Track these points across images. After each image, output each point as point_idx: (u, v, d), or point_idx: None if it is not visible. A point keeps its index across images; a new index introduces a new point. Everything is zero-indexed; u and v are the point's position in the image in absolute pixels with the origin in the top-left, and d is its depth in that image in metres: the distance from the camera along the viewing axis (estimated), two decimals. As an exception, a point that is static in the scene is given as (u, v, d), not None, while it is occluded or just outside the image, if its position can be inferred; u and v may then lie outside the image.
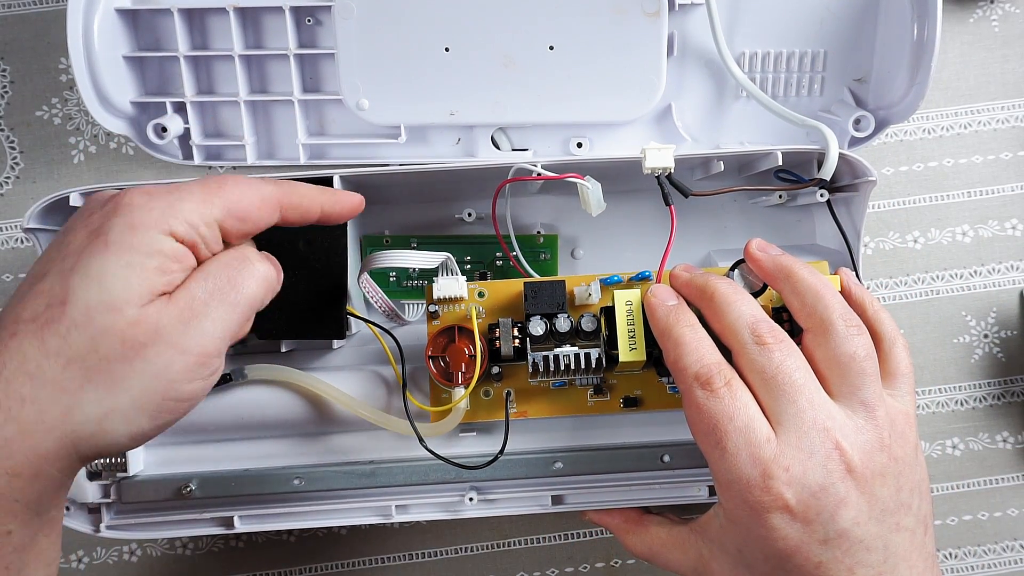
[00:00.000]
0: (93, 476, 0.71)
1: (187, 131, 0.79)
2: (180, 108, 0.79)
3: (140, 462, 0.73)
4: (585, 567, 0.84)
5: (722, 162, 0.69)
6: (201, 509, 0.72)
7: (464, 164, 0.68)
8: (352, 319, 0.70)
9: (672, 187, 0.64)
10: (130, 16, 0.77)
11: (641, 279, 0.66)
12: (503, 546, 0.85)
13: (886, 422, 0.55)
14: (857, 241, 0.71)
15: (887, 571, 0.54)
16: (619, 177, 0.71)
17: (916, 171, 0.83)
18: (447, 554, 0.84)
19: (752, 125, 0.80)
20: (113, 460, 0.70)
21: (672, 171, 0.64)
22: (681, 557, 0.62)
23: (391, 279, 0.75)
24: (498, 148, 0.79)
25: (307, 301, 0.68)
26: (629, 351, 0.62)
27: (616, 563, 0.84)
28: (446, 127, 0.79)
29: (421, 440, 0.66)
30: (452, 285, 0.66)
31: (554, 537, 0.84)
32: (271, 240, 0.62)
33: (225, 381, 0.70)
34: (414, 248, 0.74)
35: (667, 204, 0.63)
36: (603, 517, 0.69)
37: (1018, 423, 0.84)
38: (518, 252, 0.73)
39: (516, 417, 0.67)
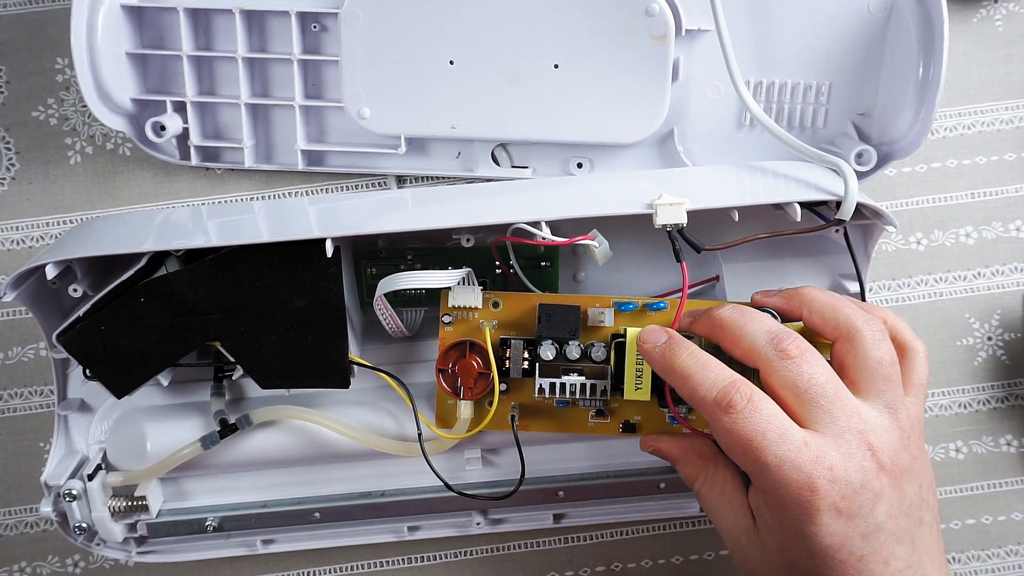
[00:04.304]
0: (117, 516, 0.79)
1: (186, 131, 0.85)
2: (180, 107, 0.85)
3: (159, 499, 0.82)
4: (585, 571, 0.92)
5: (737, 212, 0.72)
6: (226, 536, 0.83)
7: (463, 175, 0.75)
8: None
9: (686, 241, 0.69)
10: (135, 13, 0.83)
11: (656, 310, 0.73)
12: (502, 550, 0.91)
13: (906, 424, 0.64)
14: (866, 267, 0.78)
15: (915, 563, 0.62)
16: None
17: (919, 172, 0.90)
18: (446, 558, 0.91)
19: (755, 153, 0.85)
20: (133, 502, 0.80)
21: (684, 226, 0.69)
22: (732, 523, 0.68)
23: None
24: (498, 164, 0.85)
25: (308, 353, 0.74)
26: (635, 391, 0.70)
27: (616, 567, 0.92)
28: (446, 140, 0.85)
29: (445, 483, 0.75)
30: (468, 294, 0.73)
31: (554, 541, 0.91)
32: (260, 304, 0.72)
33: (232, 431, 0.78)
34: (410, 260, 0.79)
35: (678, 261, 0.68)
36: (662, 444, 0.74)
37: (1022, 426, 0.91)
38: (518, 270, 0.77)
39: (519, 430, 0.75)
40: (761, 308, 0.70)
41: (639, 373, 0.70)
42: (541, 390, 0.72)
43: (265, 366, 0.75)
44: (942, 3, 0.76)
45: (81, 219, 0.89)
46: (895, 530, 0.61)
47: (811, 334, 0.68)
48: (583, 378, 0.72)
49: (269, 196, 0.90)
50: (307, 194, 0.90)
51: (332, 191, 0.90)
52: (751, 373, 0.64)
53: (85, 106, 0.85)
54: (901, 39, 0.80)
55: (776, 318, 0.69)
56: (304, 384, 0.77)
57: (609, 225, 0.73)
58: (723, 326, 0.66)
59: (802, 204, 0.72)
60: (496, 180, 0.84)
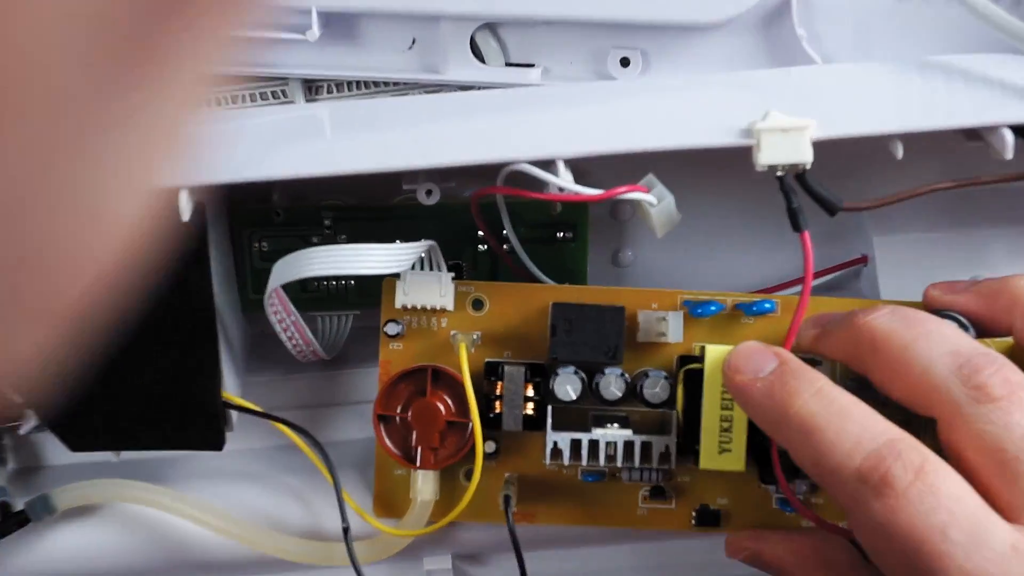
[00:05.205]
0: None
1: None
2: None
3: None
4: None
5: (901, 144, 0.56)
6: None
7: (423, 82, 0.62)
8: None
9: (809, 196, 0.54)
10: None
11: (757, 315, 0.58)
12: None
13: None
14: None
15: None
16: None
17: None
18: None
19: (931, 40, 0.66)
20: None
21: (808, 168, 0.52)
22: None
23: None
24: (482, 61, 0.65)
25: (152, 390, 0.59)
26: (718, 455, 0.55)
27: None
28: (392, 18, 0.65)
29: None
30: (429, 286, 0.57)
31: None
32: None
33: (20, 524, 0.61)
34: (328, 229, 0.63)
35: (797, 230, 0.53)
36: (765, 545, 0.58)
37: None
38: (516, 245, 0.61)
39: (518, 522, 0.58)
40: (941, 313, 0.54)
41: (726, 425, 0.54)
42: (556, 453, 0.56)
43: (77, 413, 0.58)
44: None
45: None
46: None
47: (1027, 359, 0.53)
48: (628, 431, 0.56)
49: (88, 118, 0.68)
50: (151, 113, 0.69)
51: (192, 107, 0.68)
52: (922, 425, 0.49)
53: None
54: None
55: (967, 330, 0.54)
56: (147, 444, 0.62)
57: (676, 168, 0.56)
58: (876, 344, 0.51)
59: (1016, 130, 0.55)
60: (479, 88, 0.65)
